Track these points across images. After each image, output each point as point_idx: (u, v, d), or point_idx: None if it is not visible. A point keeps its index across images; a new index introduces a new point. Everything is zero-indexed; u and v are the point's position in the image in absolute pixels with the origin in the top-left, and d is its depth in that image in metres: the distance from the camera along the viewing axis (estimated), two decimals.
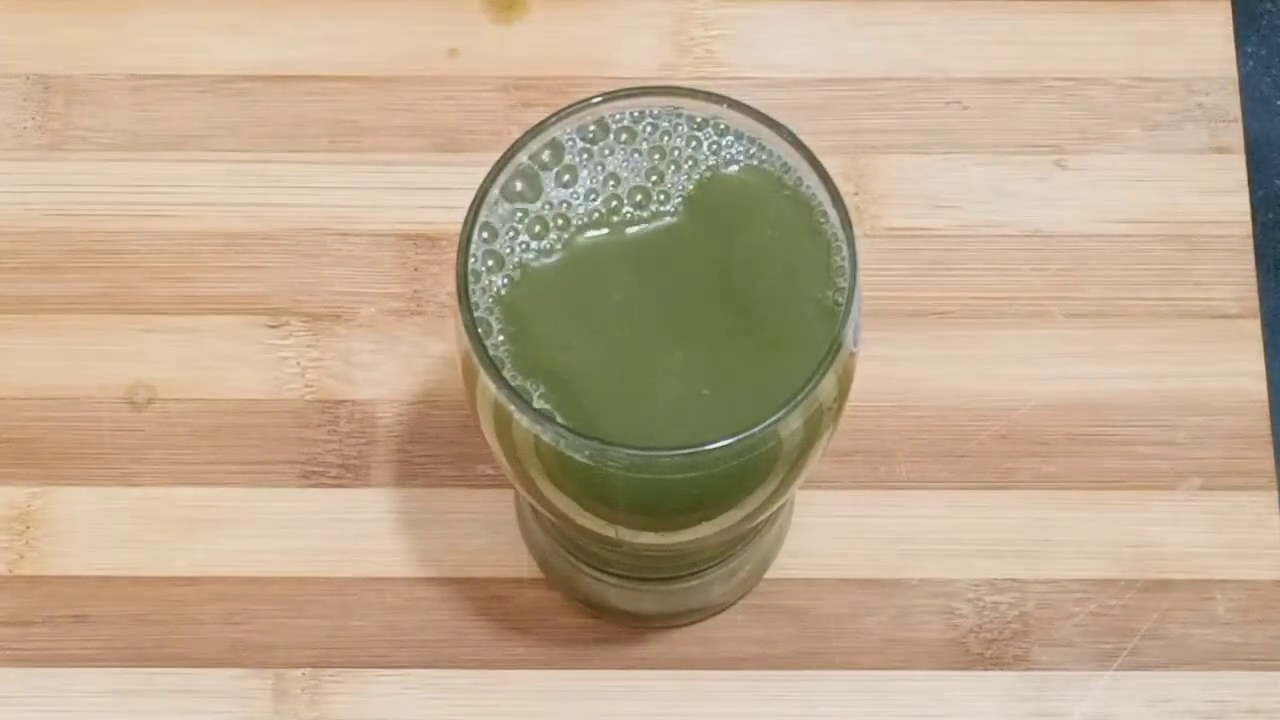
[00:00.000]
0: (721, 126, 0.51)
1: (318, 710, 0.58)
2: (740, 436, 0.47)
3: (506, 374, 0.48)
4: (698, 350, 0.49)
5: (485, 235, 0.50)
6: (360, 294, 0.63)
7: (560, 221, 0.50)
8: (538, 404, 0.48)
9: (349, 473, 0.61)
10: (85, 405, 0.61)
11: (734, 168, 0.50)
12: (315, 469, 0.61)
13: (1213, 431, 0.61)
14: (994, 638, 0.59)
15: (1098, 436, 0.61)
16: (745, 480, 0.49)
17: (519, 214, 0.50)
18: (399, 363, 0.62)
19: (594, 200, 0.50)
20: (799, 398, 0.47)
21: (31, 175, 0.64)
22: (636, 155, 0.51)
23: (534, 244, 0.50)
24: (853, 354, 0.49)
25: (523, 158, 0.50)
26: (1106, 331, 0.62)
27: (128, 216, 0.64)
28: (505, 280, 0.49)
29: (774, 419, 0.47)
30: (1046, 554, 0.60)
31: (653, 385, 0.49)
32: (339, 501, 0.61)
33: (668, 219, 0.50)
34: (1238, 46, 0.66)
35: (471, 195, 0.49)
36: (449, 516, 0.60)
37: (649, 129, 0.51)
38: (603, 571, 0.58)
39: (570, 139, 0.51)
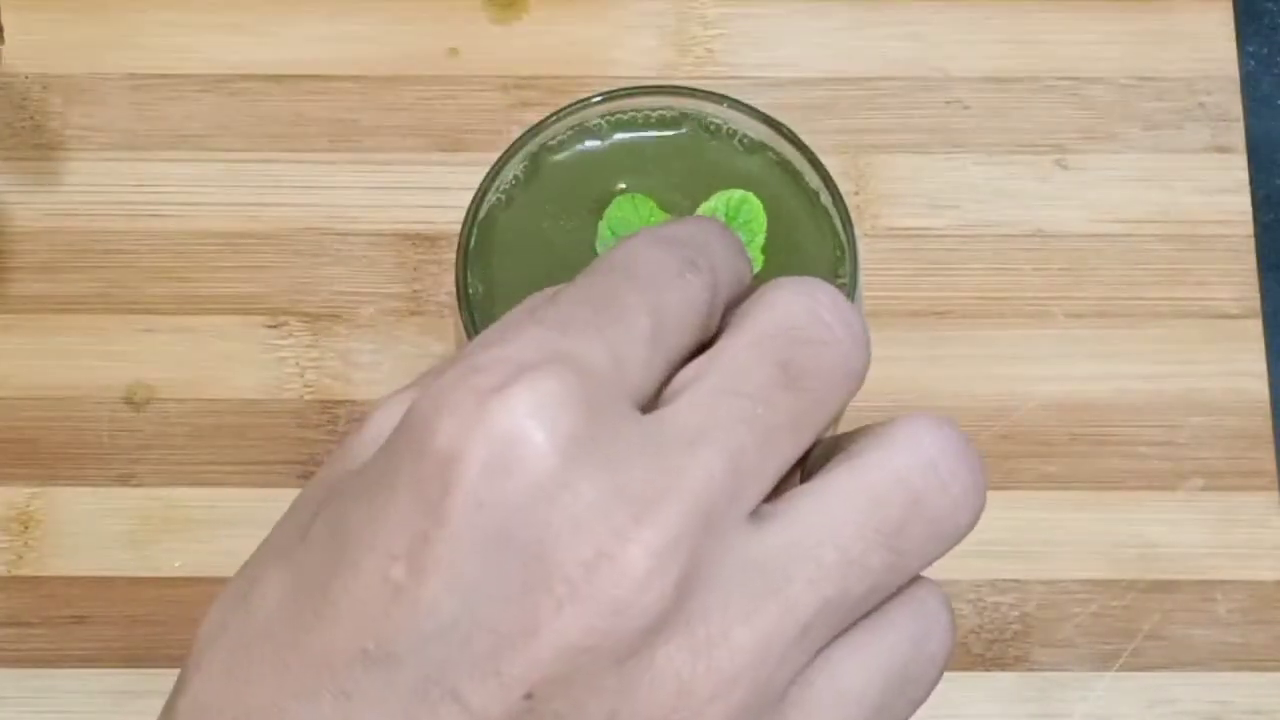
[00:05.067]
0: (722, 126, 0.51)
1: None
2: None
3: None
4: None
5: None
6: (360, 294, 0.63)
7: (558, 221, 0.50)
8: None
9: None
10: (84, 405, 0.61)
11: (734, 167, 0.50)
12: (315, 469, 0.61)
13: (1214, 432, 0.61)
14: (995, 638, 0.59)
15: (1099, 437, 0.61)
16: None
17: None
18: (398, 363, 0.62)
19: (592, 199, 0.50)
20: None
21: (31, 175, 0.64)
22: (635, 154, 0.50)
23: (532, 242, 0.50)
24: None
25: (522, 157, 0.50)
26: (1107, 331, 0.62)
27: (127, 216, 0.64)
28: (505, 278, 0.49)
29: None
30: (1047, 554, 0.60)
31: None
32: None
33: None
34: (1239, 45, 0.66)
35: (471, 195, 0.49)
36: None
37: (648, 129, 0.51)
38: None
39: (569, 138, 0.51)
